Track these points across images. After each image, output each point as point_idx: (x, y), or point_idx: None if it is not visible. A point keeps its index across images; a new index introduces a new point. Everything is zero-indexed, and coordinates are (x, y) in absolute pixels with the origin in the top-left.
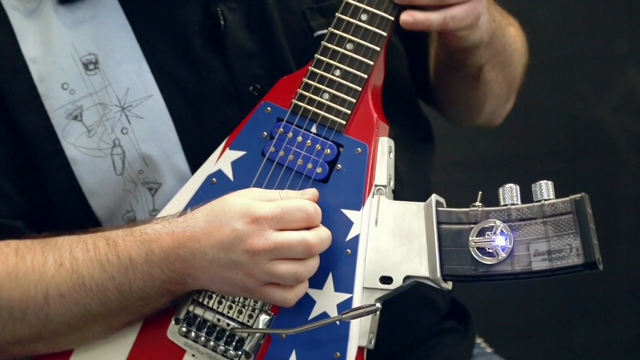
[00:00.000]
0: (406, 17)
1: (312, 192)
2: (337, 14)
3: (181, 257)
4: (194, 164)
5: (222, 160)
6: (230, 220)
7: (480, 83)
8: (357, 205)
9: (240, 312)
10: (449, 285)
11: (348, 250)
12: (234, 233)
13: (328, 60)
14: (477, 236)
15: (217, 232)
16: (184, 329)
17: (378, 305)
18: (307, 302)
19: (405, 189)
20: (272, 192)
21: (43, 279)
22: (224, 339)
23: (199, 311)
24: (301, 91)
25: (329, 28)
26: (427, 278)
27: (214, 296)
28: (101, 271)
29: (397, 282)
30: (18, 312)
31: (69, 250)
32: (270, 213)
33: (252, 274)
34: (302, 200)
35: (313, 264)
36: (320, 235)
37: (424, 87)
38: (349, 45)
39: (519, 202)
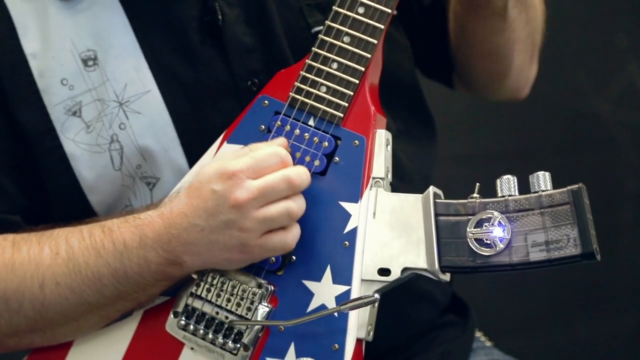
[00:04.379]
0: None
1: (281, 139)
2: (334, 7)
3: (175, 236)
4: (192, 159)
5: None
6: (208, 185)
7: (505, 22)
8: (355, 197)
9: (238, 304)
10: (447, 277)
11: (346, 242)
12: (215, 195)
13: (325, 53)
14: (474, 227)
15: (199, 200)
16: (182, 322)
17: (376, 296)
18: (305, 294)
19: (408, 183)
20: (241, 150)
21: (39, 268)
22: (223, 331)
23: (197, 304)
24: (299, 84)
25: (326, 21)
26: (425, 270)
27: (213, 289)
28: (97, 258)
29: (395, 274)
30: (14, 303)
31: (65, 239)
32: (245, 164)
33: (245, 228)
34: (273, 146)
35: (300, 200)
36: (299, 171)
37: (444, 67)
38: (346, 38)
39: (517, 193)
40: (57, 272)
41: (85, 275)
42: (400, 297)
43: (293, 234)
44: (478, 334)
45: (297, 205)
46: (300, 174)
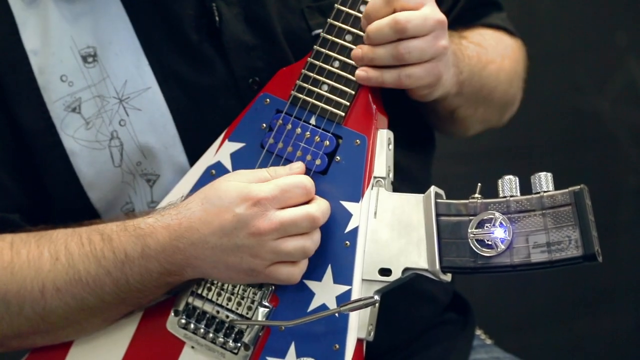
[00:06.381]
0: (360, 72)
1: (299, 165)
2: (336, 5)
3: (180, 249)
4: (193, 156)
5: (221, 151)
6: (230, 206)
7: (456, 120)
8: (356, 197)
9: (239, 303)
10: (447, 277)
11: (347, 242)
12: (235, 218)
13: (327, 51)
14: (476, 228)
15: (217, 219)
16: (183, 321)
17: (376, 297)
18: (306, 294)
19: (407, 184)
20: (260, 172)
21: (39, 273)
22: (223, 330)
23: (198, 303)
24: (300, 83)
25: (328, 19)
26: (426, 270)
27: (213, 288)
28: (97, 266)
29: (396, 274)
30: (15, 307)
31: (64, 244)
32: (271, 193)
33: (258, 255)
34: (298, 176)
35: (317, 237)
36: (321, 207)
37: None
38: (348, 37)
39: (518, 193)
40: (58, 278)
41: (86, 282)
42: (402, 296)
43: (301, 269)
44: (478, 331)
45: (314, 242)
46: (324, 210)
